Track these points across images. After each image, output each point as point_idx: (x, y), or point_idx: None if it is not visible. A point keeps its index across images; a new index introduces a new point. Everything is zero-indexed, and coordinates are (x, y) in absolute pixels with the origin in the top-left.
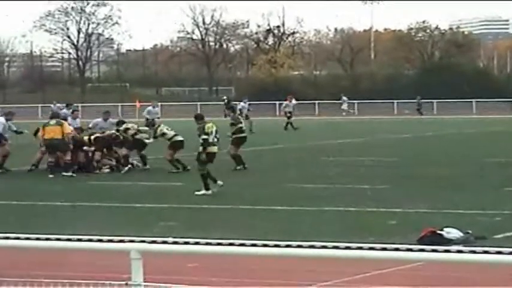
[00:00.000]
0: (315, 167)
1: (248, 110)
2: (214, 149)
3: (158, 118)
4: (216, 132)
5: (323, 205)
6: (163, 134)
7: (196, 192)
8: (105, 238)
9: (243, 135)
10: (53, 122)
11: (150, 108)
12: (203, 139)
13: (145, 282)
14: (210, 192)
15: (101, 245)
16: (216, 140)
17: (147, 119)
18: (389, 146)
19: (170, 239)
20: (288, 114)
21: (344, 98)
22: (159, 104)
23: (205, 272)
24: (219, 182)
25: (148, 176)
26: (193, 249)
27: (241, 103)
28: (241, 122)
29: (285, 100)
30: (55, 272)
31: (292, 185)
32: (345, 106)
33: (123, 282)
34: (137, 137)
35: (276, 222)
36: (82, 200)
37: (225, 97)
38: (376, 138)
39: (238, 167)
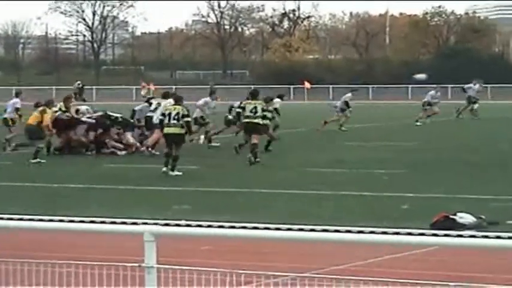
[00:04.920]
0: (332, 152)
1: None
2: (170, 130)
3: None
4: (178, 114)
5: (338, 189)
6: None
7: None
8: (118, 220)
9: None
10: None
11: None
12: (159, 119)
13: (158, 264)
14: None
15: (114, 227)
16: (175, 122)
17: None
18: (404, 131)
19: (183, 222)
20: (472, 105)
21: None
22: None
23: (217, 255)
24: None
25: (161, 159)
26: (206, 232)
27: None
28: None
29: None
30: (68, 254)
31: (309, 169)
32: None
33: (136, 265)
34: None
35: (291, 206)
36: (96, 183)
37: (78, 82)
38: (391, 123)
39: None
